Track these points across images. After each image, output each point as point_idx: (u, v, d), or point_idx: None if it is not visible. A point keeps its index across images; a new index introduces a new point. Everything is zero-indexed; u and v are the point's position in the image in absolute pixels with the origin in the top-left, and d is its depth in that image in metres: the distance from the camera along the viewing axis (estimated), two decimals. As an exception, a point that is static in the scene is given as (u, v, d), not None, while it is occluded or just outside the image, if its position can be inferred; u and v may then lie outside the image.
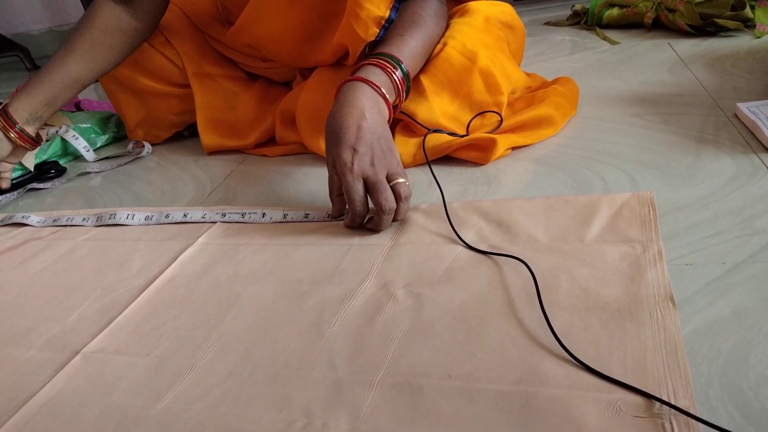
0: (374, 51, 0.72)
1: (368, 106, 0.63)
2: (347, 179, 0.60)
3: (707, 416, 0.35)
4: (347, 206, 0.62)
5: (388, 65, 0.69)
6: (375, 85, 0.66)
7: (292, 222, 0.68)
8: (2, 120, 0.86)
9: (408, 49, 0.72)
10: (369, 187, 0.60)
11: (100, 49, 0.87)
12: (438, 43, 0.79)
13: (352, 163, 0.60)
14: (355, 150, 0.60)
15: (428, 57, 0.78)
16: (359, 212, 0.60)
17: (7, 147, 0.87)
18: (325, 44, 0.83)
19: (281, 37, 0.84)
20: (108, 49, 0.88)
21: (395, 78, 0.69)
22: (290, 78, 0.99)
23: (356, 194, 0.60)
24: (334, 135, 0.62)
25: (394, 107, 0.70)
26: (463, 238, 0.57)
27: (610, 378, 0.39)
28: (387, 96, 0.67)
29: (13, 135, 0.86)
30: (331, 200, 0.65)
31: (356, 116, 0.62)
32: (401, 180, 0.61)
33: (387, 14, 0.74)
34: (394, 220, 0.62)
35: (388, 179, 0.60)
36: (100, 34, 0.86)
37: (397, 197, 0.60)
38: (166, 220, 0.73)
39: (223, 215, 0.71)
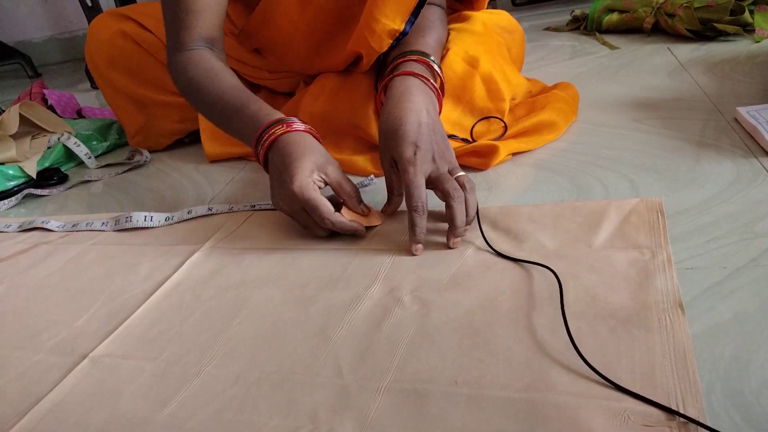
0: (403, 50, 0.73)
1: (423, 101, 0.64)
2: (409, 175, 0.59)
3: (710, 421, 0.35)
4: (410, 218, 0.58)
5: (428, 60, 0.70)
6: (425, 78, 0.67)
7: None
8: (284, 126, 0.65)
9: (431, 48, 0.74)
10: (433, 181, 0.60)
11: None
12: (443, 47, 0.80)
13: (415, 159, 0.59)
14: (417, 146, 0.60)
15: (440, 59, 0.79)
16: (421, 208, 0.58)
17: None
18: (334, 50, 0.83)
19: (290, 41, 0.84)
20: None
21: (436, 71, 0.70)
22: (294, 88, 1.00)
23: (419, 190, 0.58)
24: (393, 132, 0.61)
25: None
26: (474, 243, 0.58)
27: (622, 387, 0.38)
28: (437, 89, 0.68)
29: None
30: (389, 200, 0.65)
31: (414, 112, 0.62)
32: (462, 173, 0.61)
33: (402, 27, 0.74)
34: (469, 215, 0.59)
35: (450, 174, 0.61)
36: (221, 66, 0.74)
37: (462, 188, 0.59)
38: (188, 216, 0.75)
39: (253, 206, 0.74)
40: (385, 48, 0.76)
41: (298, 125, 0.64)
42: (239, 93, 0.70)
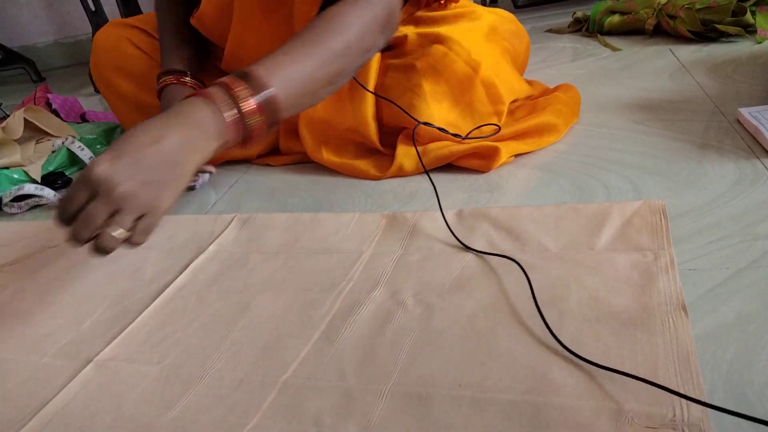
0: (244, 68, 0.57)
1: (180, 133, 0.52)
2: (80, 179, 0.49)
3: (712, 423, 0.35)
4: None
5: (241, 87, 0.55)
6: (218, 106, 0.54)
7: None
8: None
9: (289, 75, 0.58)
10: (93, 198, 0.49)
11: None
12: (366, 55, 0.68)
13: (109, 166, 0.49)
14: (117, 156, 0.49)
15: (346, 76, 0.67)
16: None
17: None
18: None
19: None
20: None
21: (243, 108, 0.55)
22: None
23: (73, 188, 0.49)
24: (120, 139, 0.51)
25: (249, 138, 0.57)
26: (471, 245, 0.58)
27: (626, 373, 0.39)
28: (220, 134, 0.54)
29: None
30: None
31: (157, 133, 0.52)
32: (119, 231, 0.49)
33: None
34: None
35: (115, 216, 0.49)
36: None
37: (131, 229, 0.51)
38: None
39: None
40: (314, 13, 0.66)
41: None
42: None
